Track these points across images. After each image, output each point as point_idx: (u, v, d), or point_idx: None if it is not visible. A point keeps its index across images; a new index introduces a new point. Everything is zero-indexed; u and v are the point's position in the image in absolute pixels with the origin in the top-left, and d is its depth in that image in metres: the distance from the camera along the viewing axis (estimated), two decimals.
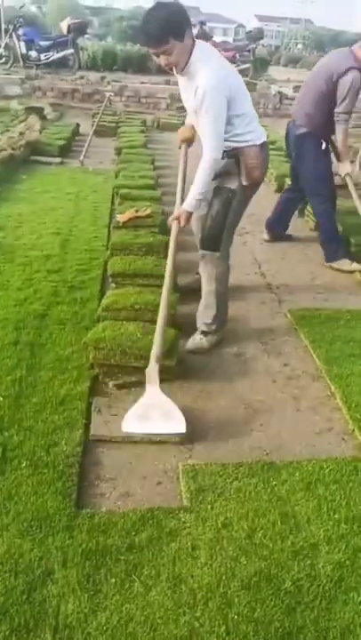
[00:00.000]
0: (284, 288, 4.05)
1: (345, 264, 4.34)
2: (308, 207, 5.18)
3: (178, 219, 2.91)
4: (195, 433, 2.46)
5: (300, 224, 5.23)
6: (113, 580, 1.73)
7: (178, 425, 2.35)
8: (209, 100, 2.66)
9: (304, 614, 1.66)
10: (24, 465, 2.18)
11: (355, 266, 4.31)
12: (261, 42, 22.81)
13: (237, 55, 15.12)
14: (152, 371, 2.51)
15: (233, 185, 2.96)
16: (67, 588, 1.70)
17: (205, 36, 14.81)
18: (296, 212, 5.03)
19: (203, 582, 1.74)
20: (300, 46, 44.14)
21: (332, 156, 4.32)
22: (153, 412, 2.39)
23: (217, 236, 3.04)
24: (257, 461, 2.27)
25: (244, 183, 2.99)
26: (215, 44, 15.14)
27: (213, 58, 2.79)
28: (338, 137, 4.08)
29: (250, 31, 15.70)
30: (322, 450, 2.42)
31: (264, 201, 4.82)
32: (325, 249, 4.44)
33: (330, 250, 4.40)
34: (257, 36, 15.60)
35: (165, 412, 2.38)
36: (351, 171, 4.23)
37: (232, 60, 14.97)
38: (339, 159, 4.24)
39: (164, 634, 1.59)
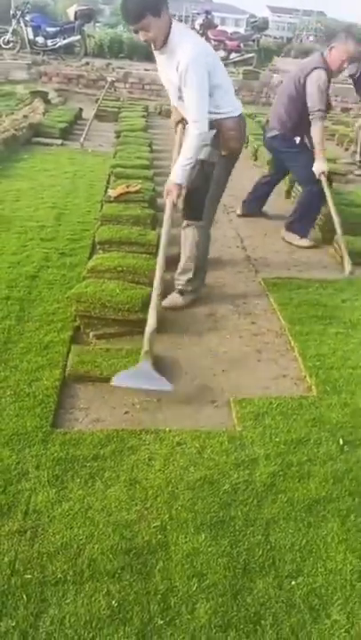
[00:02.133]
0: (262, 260, 4.33)
1: (295, 239, 4.66)
2: (295, 188, 5.46)
3: (169, 193, 3.06)
4: (163, 374, 2.74)
5: (288, 204, 5.47)
6: (78, 480, 2.05)
7: (164, 384, 2.55)
8: (192, 73, 2.81)
9: (237, 508, 1.97)
10: (8, 394, 2.49)
11: (303, 242, 4.62)
12: (270, 33, 22.96)
13: (242, 45, 15.29)
14: (145, 345, 2.70)
15: (211, 157, 3.16)
16: (38, 484, 2.02)
17: (210, 25, 14.98)
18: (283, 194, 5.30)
19: (154, 483, 2.05)
20: (311, 38, 44.09)
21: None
22: (142, 376, 2.58)
23: (199, 207, 3.27)
24: (214, 399, 2.58)
25: (223, 153, 3.19)
26: (220, 33, 15.35)
27: (190, 34, 2.99)
28: (314, 135, 4.22)
29: (255, 21, 15.79)
30: (275, 391, 2.72)
31: (248, 181, 5.10)
32: (294, 220, 4.67)
33: (297, 224, 4.66)
34: (262, 26, 15.73)
35: (152, 378, 2.58)
36: (326, 169, 4.31)
37: (236, 50, 15.18)
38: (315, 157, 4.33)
39: (117, 518, 1.90)
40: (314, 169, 4.30)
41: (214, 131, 3.10)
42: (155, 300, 2.87)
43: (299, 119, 4.27)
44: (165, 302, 3.34)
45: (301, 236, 4.65)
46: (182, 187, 3.06)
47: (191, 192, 3.22)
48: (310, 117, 4.17)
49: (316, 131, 4.20)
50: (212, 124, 3.10)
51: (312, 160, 4.35)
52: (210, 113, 3.05)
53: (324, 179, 4.31)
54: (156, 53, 3.05)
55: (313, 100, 4.13)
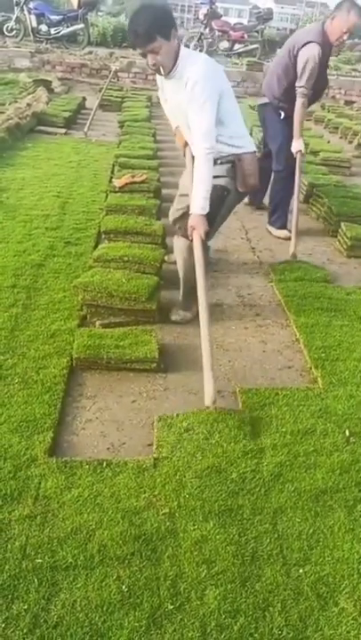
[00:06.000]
0: (266, 252, 4.34)
1: (274, 231, 4.68)
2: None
3: (195, 228, 2.80)
4: (169, 364, 2.77)
5: None
6: (87, 467, 2.06)
7: None
8: (200, 89, 2.68)
9: (245, 497, 1.98)
10: (16, 381, 2.50)
11: (280, 232, 4.64)
12: (273, 24, 22.77)
13: (246, 35, 15.17)
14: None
15: (229, 185, 3.03)
16: (47, 470, 2.03)
17: (214, 15, 14.87)
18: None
19: (162, 471, 2.06)
20: None
21: None
22: None
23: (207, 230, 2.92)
24: (220, 389, 2.59)
25: (241, 190, 3.08)
26: (224, 24, 15.24)
27: (201, 56, 2.90)
28: (295, 112, 4.19)
29: (259, 12, 15.62)
30: (280, 382, 2.73)
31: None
32: (270, 213, 4.75)
33: (272, 215, 4.71)
34: (266, 16, 15.56)
35: None
36: (303, 149, 4.32)
37: (240, 41, 15.08)
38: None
39: (126, 505, 1.91)
40: (292, 147, 4.32)
41: (229, 165, 3.02)
42: (208, 353, 2.51)
43: (289, 88, 4.21)
44: (174, 318, 3.19)
45: (278, 227, 4.68)
46: (206, 218, 2.83)
47: None
48: (297, 90, 4.13)
49: (296, 108, 4.17)
50: (230, 159, 3.02)
51: (283, 138, 4.39)
52: (226, 145, 2.97)
53: (300, 157, 4.34)
54: (161, 81, 2.94)
55: (302, 77, 4.06)
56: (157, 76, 2.95)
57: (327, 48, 4.08)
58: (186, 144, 3.16)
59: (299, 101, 4.13)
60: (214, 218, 2.98)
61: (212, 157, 2.79)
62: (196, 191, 2.79)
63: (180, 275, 3.21)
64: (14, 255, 3.70)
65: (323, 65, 4.14)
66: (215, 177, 2.89)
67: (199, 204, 2.78)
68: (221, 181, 2.98)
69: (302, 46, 4.03)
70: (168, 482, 2.01)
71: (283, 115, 4.40)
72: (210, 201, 2.81)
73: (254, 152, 3.11)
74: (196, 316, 3.11)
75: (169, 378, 2.69)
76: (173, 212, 3.42)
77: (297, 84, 4.10)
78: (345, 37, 4.06)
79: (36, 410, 2.33)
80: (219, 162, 2.97)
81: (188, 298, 3.17)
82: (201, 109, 2.73)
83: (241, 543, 1.81)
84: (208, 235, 2.90)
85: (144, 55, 2.74)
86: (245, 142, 3.05)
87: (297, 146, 4.29)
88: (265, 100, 4.49)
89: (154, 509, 1.90)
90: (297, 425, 2.37)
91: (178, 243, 3.16)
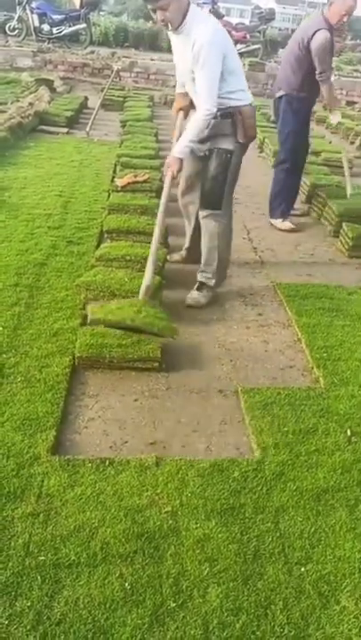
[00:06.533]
0: (268, 252, 4.34)
1: (278, 222, 4.78)
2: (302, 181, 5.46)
3: (169, 166, 3.08)
4: (171, 363, 2.78)
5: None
6: (90, 465, 2.07)
7: None
8: (206, 53, 2.85)
9: (247, 496, 1.99)
10: (19, 380, 2.51)
11: (285, 224, 4.75)
12: (275, 24, 22.78)
13: (248, 36, 15.18)
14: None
15: (230, 145, 3.18)
16: (50, 468, 2.04)
17: (217, 15, 14.86)
18: None
19: (165, 470, 2.07)
20: None
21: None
22: None
23: (219, 196, 3.26)
24: (222, 388, 2.60)
25: (241, 141, 3.21)
26: (226, 24, 15.23)
27: (208, 18, 3.04)
28: (324, 93, 4.41)
29: (261, 12, 15.62)
30: (282, 382, 2.74)
31: (261, 174, 5.09)
32: (269, 203, 4.85)
33: (271, 205, 4.81)
34: (268, 17, 15.55)
35: None
36: (340, 120, 4.66)
37: (242, 41, 15.07)
38: (330, 111, 4.66)
39: (128, 503, 1.92)
40: (331, 120, 4.61)
41: (227, 120, 3.12)
42: (153, 255, 3.00)
43: (303, 77, 4.39)
44: (188, 301, 3.33)
45: (277, 217, 4.76)
46: (182, 162, 3.12)
47: (209, 180, 3.22)
48: (318, 79, 4.34)
49: (325, 90, 4.42)
50: (230, 112, 3.11)
51: (292, 129, 4.57)
52: (226, 99, 3.06)
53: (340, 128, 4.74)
54: (171, 35, 3.06)
55: (319, 64, 4.26)
56: (169, 33, 3.06)
57: (332, 32, 4.34)
58: (179, 110, 3.35)
59: (326, 85, 4.36)
60: (223, 182, 3.21)
61: (210, 119, 2.99)
62: (183, 137, 3.04)
63: (215, 256, 3.40)
64: (17, 254, 3.71)
65: (332, 47, 4.35)
66: (215, 136, 3.10)
67: (180, 148, 3.04)
68: (223, 144, 3.16)
69: (312, 36, 4.23)
70: (170, 481, 2.02)
71: (296, 105, 4.50)
72: (216, 167, 3.16)
73: (252, 104, 3.26)
74: (211, 302, 3.37)
75: (171, 377, 2.70)
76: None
77: (318, 72, 4.29)
78: (345, 19, 4.35)
79: (39, 408, 2.33)
80: (219, 113, 3.06)
81: (219, 268, 3.44)
82: (206, 73, 2.91)
83: (243, 541, 1.82)
84: (222, 199, 3.26)
85: (154, 11, 2.87)
86: (245, 95, 3.18)
87: (335, 118, 4.68)
88: (281, 92, 4.59)
89: (156, 508, 1.91)
90: (299, 424, 2.38)
91: (209, 225, 3.34)
